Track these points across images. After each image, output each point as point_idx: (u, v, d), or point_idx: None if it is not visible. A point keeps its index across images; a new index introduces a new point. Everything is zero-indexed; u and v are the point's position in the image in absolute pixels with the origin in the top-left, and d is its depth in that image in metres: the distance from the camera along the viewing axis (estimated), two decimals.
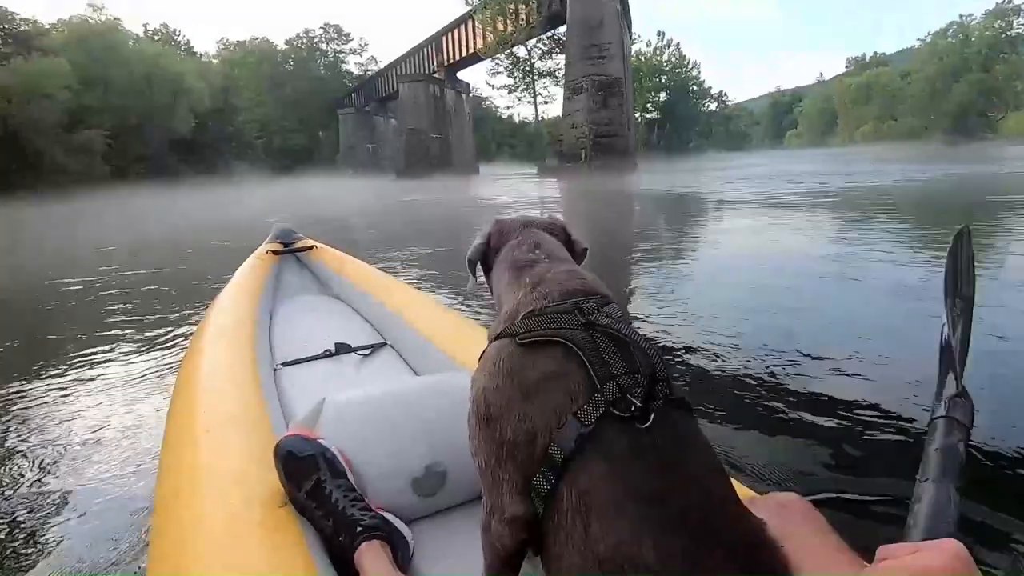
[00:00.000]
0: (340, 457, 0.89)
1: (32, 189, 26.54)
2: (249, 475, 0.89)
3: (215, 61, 52.12)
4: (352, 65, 59.63)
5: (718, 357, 2.69)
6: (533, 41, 37.47)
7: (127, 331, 3.75)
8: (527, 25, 34.67)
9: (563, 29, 37.92)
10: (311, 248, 2.54)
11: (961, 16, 53.08)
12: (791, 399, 2.21)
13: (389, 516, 0.86)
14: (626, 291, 4.38)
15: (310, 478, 0.83)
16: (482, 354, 0.70)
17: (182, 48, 48.10)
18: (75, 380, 2.82)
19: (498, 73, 40.66)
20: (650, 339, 0.66)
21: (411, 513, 0.92)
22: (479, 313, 3.53)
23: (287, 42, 57.32)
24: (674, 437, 0.55)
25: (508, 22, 35.37)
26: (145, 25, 48.63)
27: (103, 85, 34.33)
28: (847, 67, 75.91)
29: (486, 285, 0.86)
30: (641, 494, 0.51)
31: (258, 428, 1.06)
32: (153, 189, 29.21)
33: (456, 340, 1.48)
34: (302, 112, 53.52)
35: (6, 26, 33.34)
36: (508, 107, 42.66)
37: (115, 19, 38.13)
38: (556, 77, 39.63)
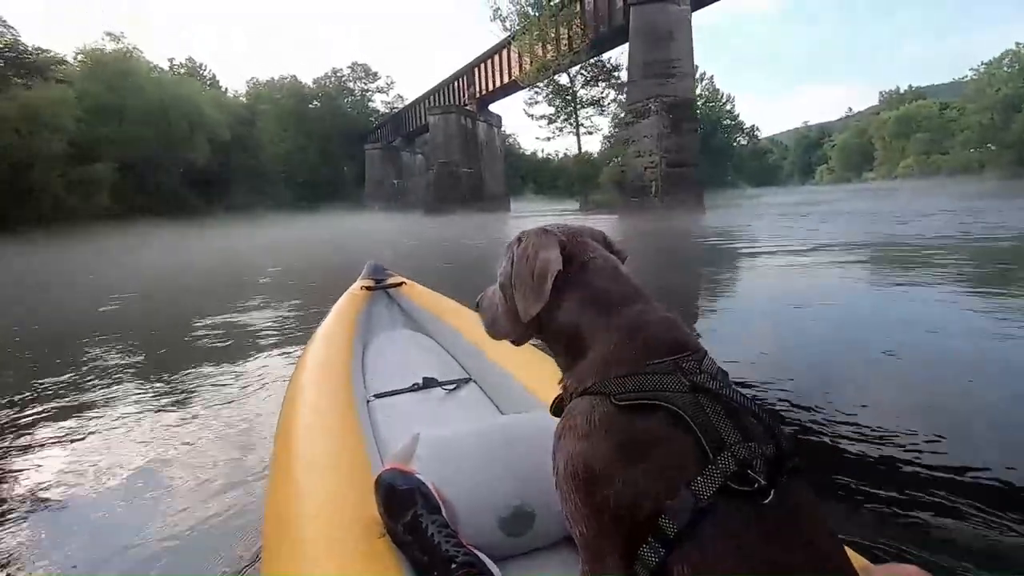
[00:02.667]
0: (435, 492, 0.86)
1: (18, 230, 22.21)
2: (348, 504, 0.90)
3: (243, 99, 49.10)
4: (379, 103, 56.75)
5: None
6: (576, 68, 33.16)
7: None
8: (570, 51, 30.42)
9: (608, 56, 33.94)
10: (401, 284, 2.54)
11: (1017, 44, 48.13)
12: None
13: (480, 554, 0.81)
14: None
15: (408, 512, 0.81)
16: (558, 401, 0.66)
17: (207, 83, 44.93)
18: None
19: (537, 103, 36.18)
20: (759, 401, 0.58)
21: (499, 552, 0.88)
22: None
23: (315, 81, 54.56)
24: (795, 511, 0.51)
25: (549, 48, 31.18)
26: (171, 60, 45.78)
27: (118, 116, 30.56)
28: (880, 100, 71.24)
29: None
30: (761, 571, 0.48)
31: (355, 458, 1.07)
32: (163, 227, 25.06)
33: (538, 377, 1.40)
34: (327, 147, 50.21)
35: (16, 55, 29.78)
36: (549, 138, 37.86)
37: (133, 48, 34.53)
38: (601, 106, 35.23)
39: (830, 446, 2.06)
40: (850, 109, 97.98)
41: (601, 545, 0.55)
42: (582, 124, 35.70)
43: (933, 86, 75.31)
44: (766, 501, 0.49)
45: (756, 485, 0.50)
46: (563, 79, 33.86)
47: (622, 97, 34.19)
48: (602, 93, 34.94)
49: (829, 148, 79.78)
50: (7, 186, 24.14)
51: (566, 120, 35.75)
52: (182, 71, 44.02)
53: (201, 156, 33.75)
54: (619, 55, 33.89)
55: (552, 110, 35.66)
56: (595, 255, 0.69)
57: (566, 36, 30.68)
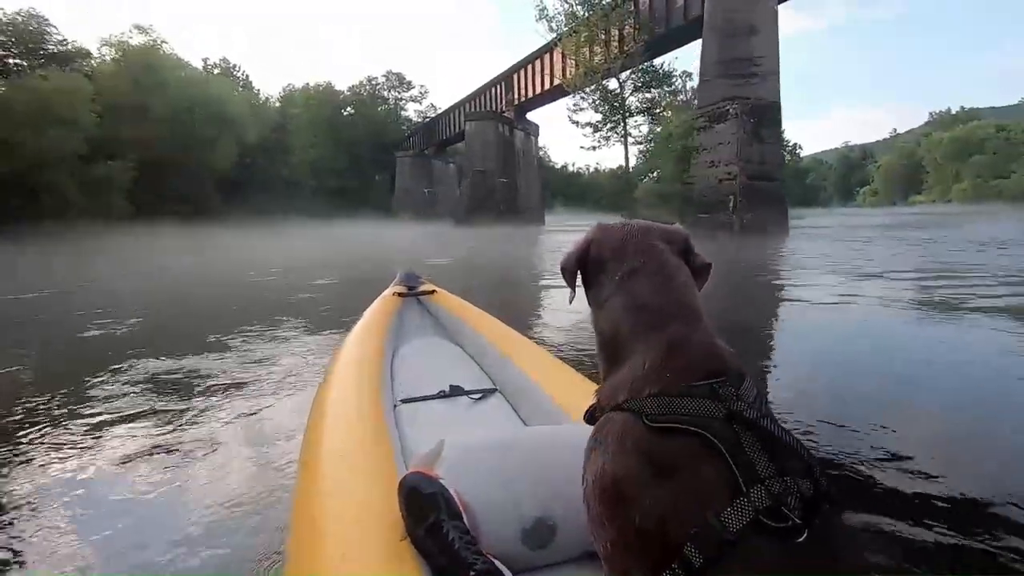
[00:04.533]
0: (457, 499, 0.85)
1: (16, 230, 19.64)
2: (373, 505, 0.90)
3: (278, 104, 47.10)
4: (411, 112, 54.69)
5: None
6: (626, 73, 29.78)
7: None
8: (622, 53, 27.10)
9: (660, 61, 30.55)
10: (432, 292, 2.51)
11: None
12: None
13: (498, 563, 0.79)
14: None
15: (429, 516, 0.80)
16: (590, 412, 0.63)
17: (240, 84, 42.80)
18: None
19: (582, 109, 32.84)
20: (794, 433, 0.55)
21: (518, 564, 0.86)
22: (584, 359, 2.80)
23: (349, 89, 52.56)
24: (829, 551, 0.49)
25: (599, 50, 27.90)
26: (205, 59, 43.83)
27: (141, 112, 28.17)
28: (929, 120, 66.28)
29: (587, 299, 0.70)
30: None
31: (381, 460, 1.06)
32: (177, 230, 22.32)
33: (564, 390, 1.40)
34: (358, 155, 47.86)
35: (38, 45, 27.69)
36: (594, 147, 34.21)
37: (161, 41, 32.13)
38: (653, 114, 31.66)
39: None
40: (895, 130, 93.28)
41: (625, 563, 0.52)
42: (630, 133, 32.20)
43: (982, 108, 69.84)
44: (799, 540, 0.46)
45: (790, 522, 0.47)
46: (612, 84, 30.54)
47: (663, 113, 30.87)
48: (654, 99, 31.38)
49: (874, 169, 74.81)
50: (15, 184, 21.71)
51: (612, 129, 32.31)
52: (216, 71, 42.03)
53: (226, 158, 31.23)
54: (672, 60, 30.47)
55: (599, 117, 32.26)
56: (649, 261, 0.64)
57: (617, 37, 27.38)
